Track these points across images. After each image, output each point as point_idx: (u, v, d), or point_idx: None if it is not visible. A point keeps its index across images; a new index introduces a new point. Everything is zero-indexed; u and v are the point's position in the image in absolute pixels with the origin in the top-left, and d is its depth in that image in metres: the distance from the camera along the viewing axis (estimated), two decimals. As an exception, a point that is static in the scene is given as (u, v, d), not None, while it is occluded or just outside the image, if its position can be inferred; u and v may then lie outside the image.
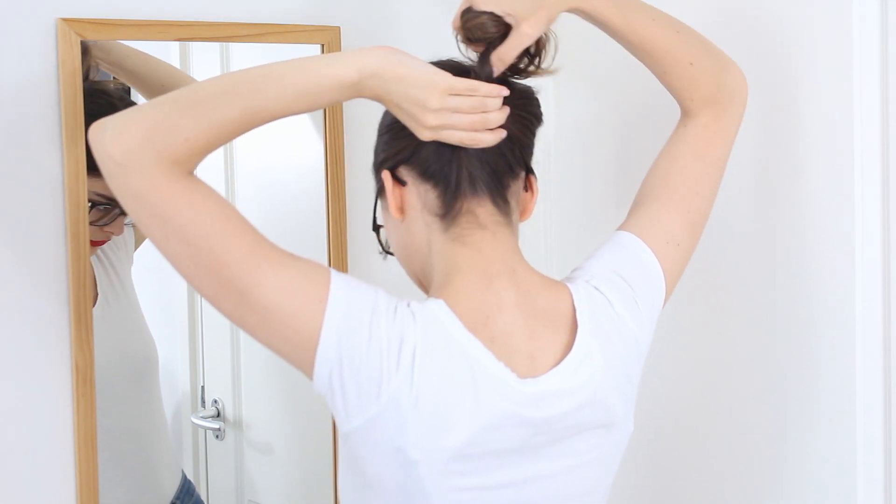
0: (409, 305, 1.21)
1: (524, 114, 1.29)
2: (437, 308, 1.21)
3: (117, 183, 1.18)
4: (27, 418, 1.52)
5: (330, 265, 1.79)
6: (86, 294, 1.53)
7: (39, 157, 1.51)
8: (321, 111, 1.77)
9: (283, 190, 1.89)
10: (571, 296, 1.27)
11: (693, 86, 1.37)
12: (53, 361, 1.53)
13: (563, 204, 1.90)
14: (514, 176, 1.29)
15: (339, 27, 1.76)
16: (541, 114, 1.32)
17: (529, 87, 1.32)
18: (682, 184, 1.36)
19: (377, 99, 1.23)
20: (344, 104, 1.76)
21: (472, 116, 1.21)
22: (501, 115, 1.23)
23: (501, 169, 1.27)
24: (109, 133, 1.18)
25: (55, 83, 1.51)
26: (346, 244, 1.81)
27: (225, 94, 1.19)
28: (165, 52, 1.77)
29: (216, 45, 1.75)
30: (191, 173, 1.20)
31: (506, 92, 1.24)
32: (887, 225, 1.41)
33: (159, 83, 1.65)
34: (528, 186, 1.32)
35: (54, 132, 1.51)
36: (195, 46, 1.76)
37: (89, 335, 1.53)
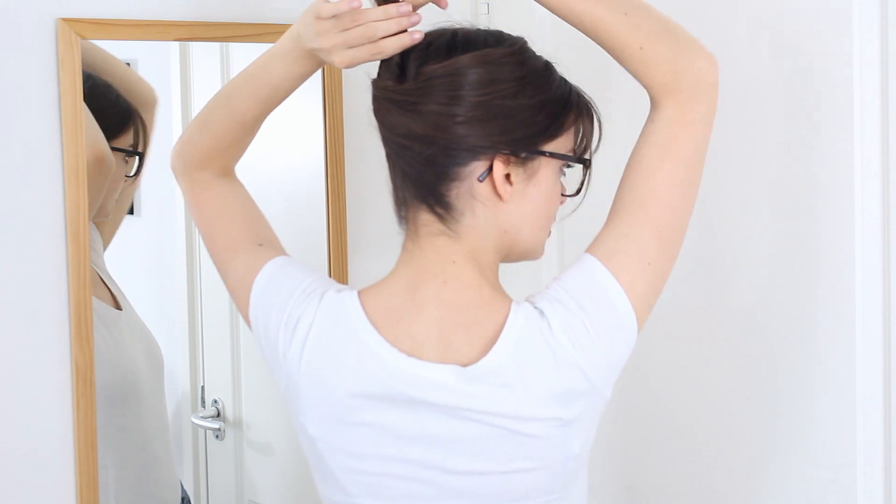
0: (324, 292, 1.26)
1: (434, 106, 1.19)
2: (347, 298, 1.25)
3: None
4: (27, 418, 1.52)
5: (330, 263, 1.79)
6: (86, 294, 1.53)
7: (39, 157, 1.51)
8: (321, 111, 1.77)
9: (283, 189, 1.89)
10: (507, 315, 1.21)
11: (646, 71, 1.23)
12: (53, 361, 1.53)
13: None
14: (452, 178, 1.21)
15: (339, 27, 1.76)
16: (509, 77, 1.20)
17: (490, 47, 1.21)
18: (650, 194, 1.22)
19: (319, 61, 1.30)
20: (344, 104, 1.77)
21: (354, 31, 1.21)
22: (390, 25, 1.21)
23: (429, 179, 1.21)
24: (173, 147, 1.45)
25: (55, 83, 1.51)
26: (347, 243, 1.81)
27: (215, 101, 1.39)
28: (165, 52, 1.77)
29: (216, 45, 1.76)
30: (217, 177, 1.40)
31: (408, 13, 1.21)
32: (887, 225, 1.41)
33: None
34: (487, 174, 1.21)
35: (54, 132, 1.51)
36: (195, 46, 1.76)
37: (89, 335, 1.54)
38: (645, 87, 1.25)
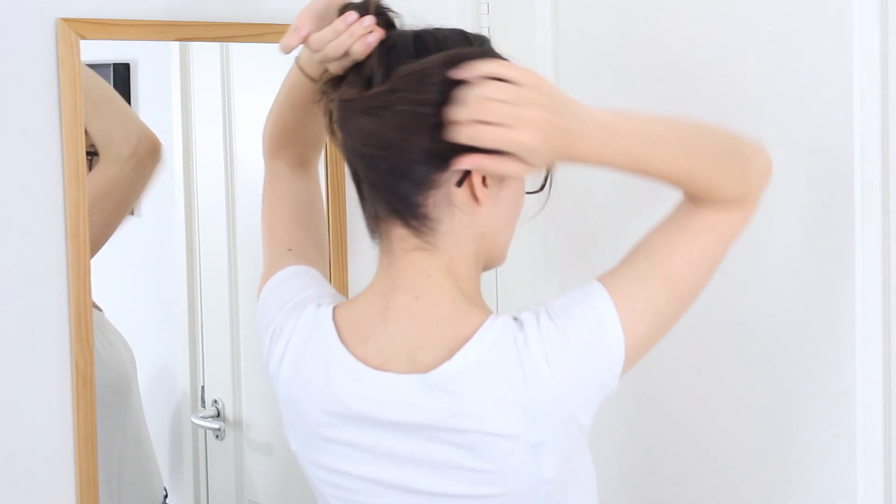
0: (306, 306, 1.27)
1: (406, 106, 1.14)
2: (322, 313, 1.25)
3: None
4: (27, 418, 1.52)
5: (330, 264, 1.79)
6: (86, 294, 1.53)
7: (39, 158, 1.51)
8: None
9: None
10: (480, 326, 1.17)
11: (712, 194, 1.22)
12: (53, 361, 1.53)
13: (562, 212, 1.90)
14: (430, 186, 1.17)
15: (339, 27, 1.76)
16: (436, 89, 1.14)
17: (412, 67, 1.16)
18: (682, 255, 1.21)
19: None
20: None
21: (318, 55, 1.21)
22: (343, 40, 1.18)
23: (404, 190, 1.17)
24: None
25: (55, 83, 1.51)
26: (346, 244, 1.82)
27: (280, 92, 1.42)
28: (166, 52, 1.77)
29: (216, 45, 1.76)
30: (291, 167, 1.43)
31: (356, 20, 1.18)
32: (887, 224, 1.41)
33: None
34: (463, 179, 1.17)
35: (54, 132, 1.52)
36: (195, 46, 1.76)
37: (89, 335, 1.54)
38: (703, 202, 1.23)
